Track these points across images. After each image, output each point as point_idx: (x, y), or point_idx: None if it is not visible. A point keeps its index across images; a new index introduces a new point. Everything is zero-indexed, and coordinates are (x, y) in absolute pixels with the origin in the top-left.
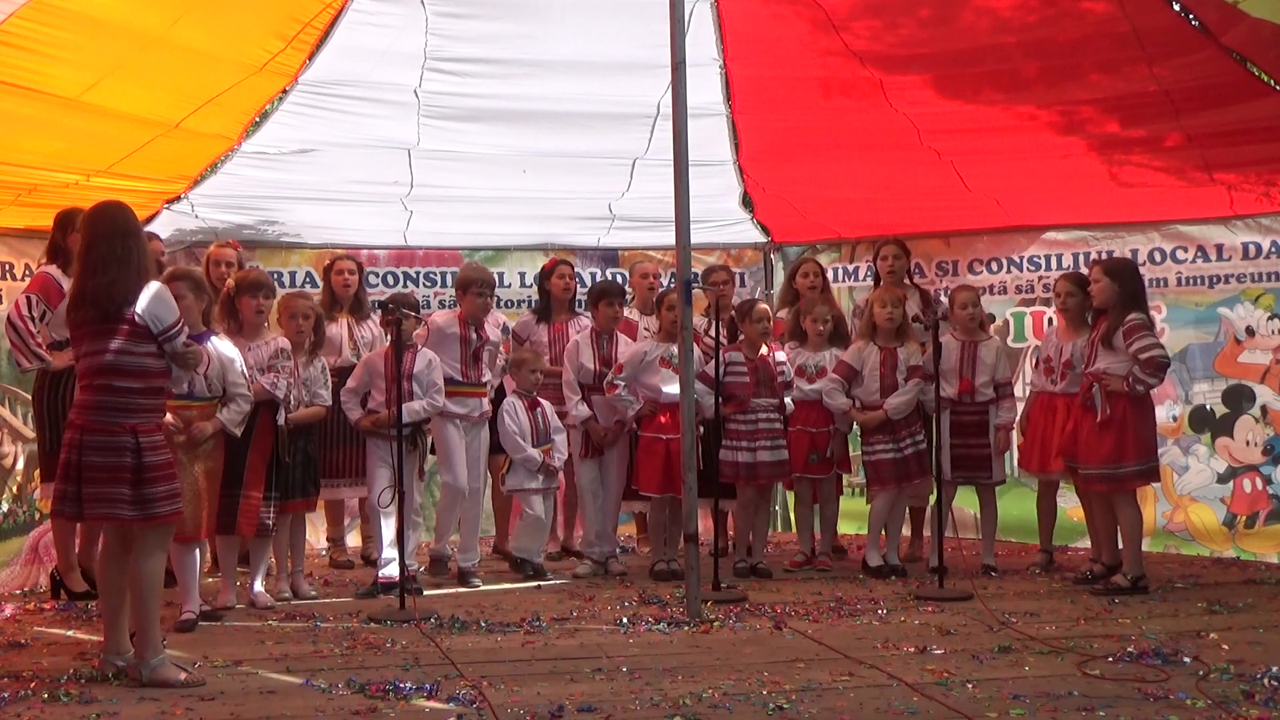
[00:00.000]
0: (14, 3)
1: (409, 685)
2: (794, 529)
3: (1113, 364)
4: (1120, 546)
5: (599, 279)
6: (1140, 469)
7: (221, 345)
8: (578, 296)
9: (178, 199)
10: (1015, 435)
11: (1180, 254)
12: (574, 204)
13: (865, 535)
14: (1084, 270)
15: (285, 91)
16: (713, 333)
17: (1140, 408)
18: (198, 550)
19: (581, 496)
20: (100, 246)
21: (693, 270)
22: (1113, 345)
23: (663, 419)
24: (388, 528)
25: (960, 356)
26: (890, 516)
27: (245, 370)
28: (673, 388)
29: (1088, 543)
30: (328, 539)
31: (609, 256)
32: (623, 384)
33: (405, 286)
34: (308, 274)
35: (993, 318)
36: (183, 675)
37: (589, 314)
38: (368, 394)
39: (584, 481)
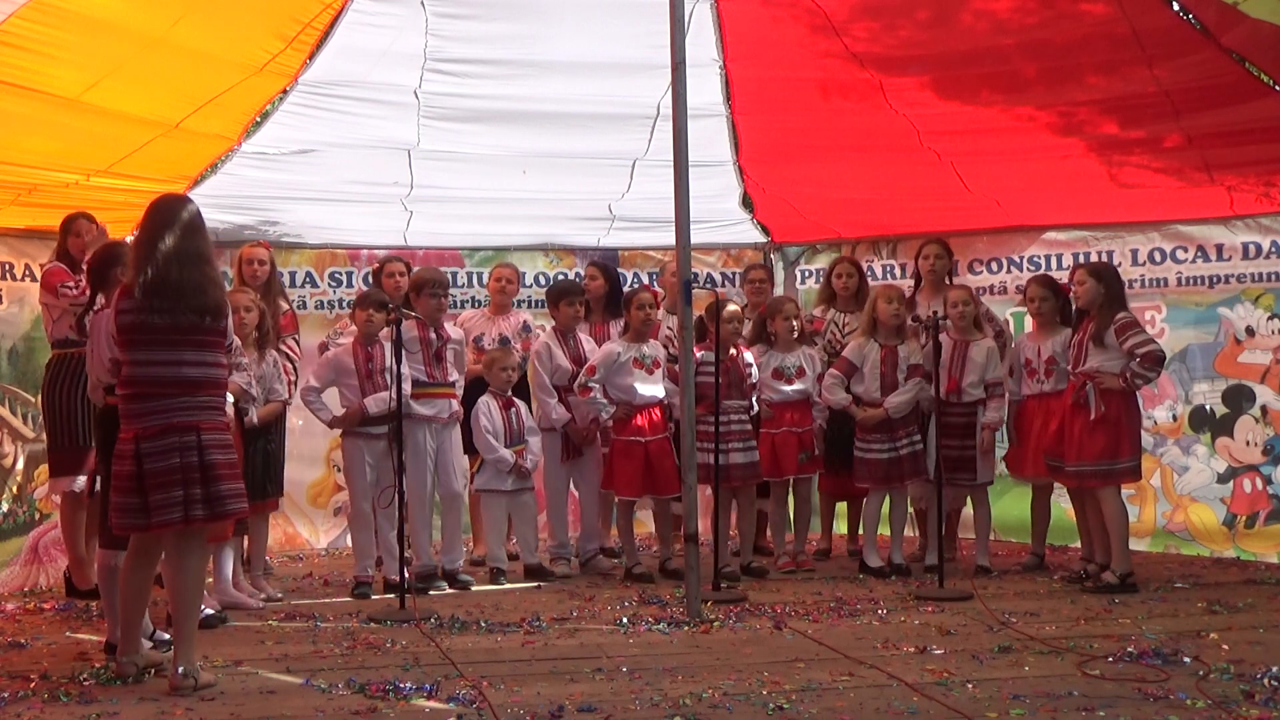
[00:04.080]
0: (14, 3)
1: (409, 685)
2: (771, 530)
3: (1105, 362)
4: (1117, 546)
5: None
6: (1132, 465)
7: None
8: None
9: None
10: (1005, 436)
11: (1180, 254)
12: (574, 204)
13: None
14: (1064, 274)
15: (285, 92)
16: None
17: (1130, 405)
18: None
19: (552, 500)
20: (190, 240)
21: (693, 271)
22: (1104, 344)
23: (639, 421)
24: (387, 529)
25: (951, 356)
26: (892, 516)
27: None
28: (647, 389)
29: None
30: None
31: (609, 257)
32: (596, 386)
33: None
34: (308, 274)
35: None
36: (209, 677)
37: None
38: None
39: (558, 485)
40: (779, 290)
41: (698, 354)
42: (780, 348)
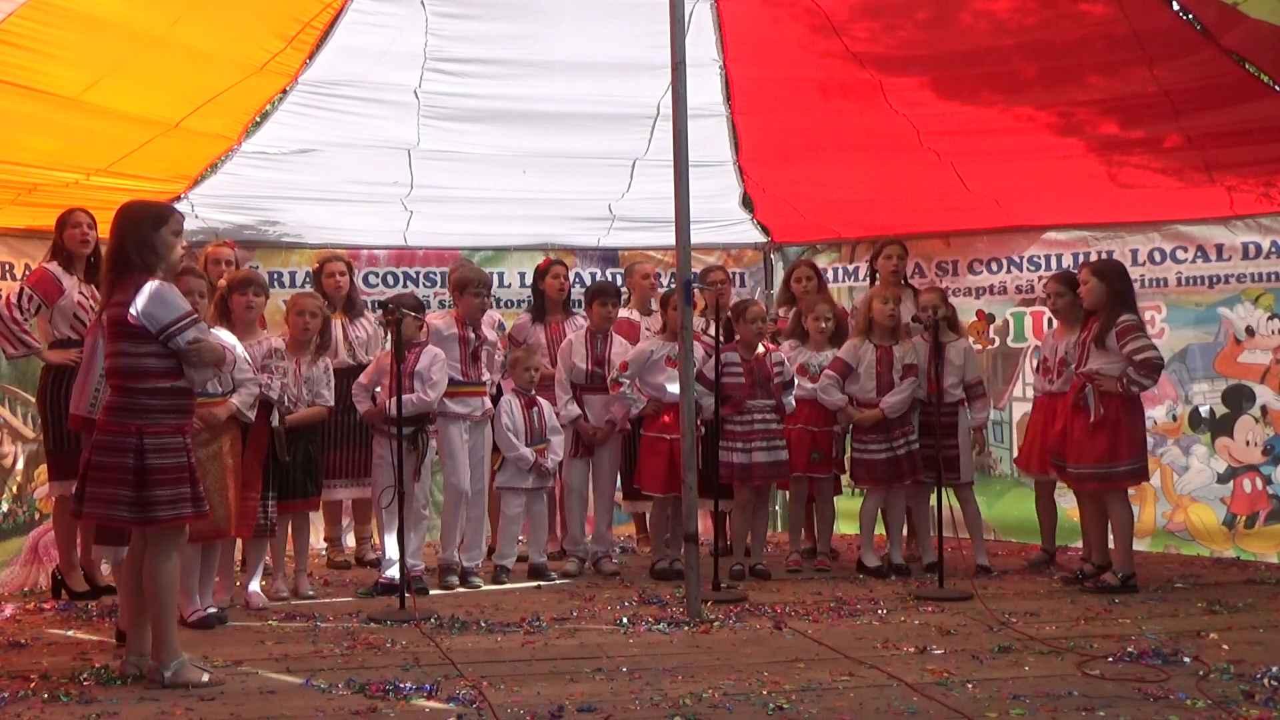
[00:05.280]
0: (14, 2)
1: (409, 685)
2: (788, 529)
3: (1105, 364)
4: (1111, 545)
5: (598, 279)
6: (1132, 468)
7: (223, 335)
8: (573, 297)
9: (178, 199)
10: (1014, 436)
11: (1180, 254)
12: (574, 204)
13: (860, 536)
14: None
15: (285, 91)
16: (712, 332)
17: (1132, 408)
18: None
19: (568, 495)
20: (112, 240)
21: (693, 270)
22: (1105, 345)
23: (667, 418)
24: (389, 528)
25: (929, 359)
26: (889, 515)
27: (246, 358)
28: (678, 387)
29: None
30: (325, 539)
31: (609, 257)
32: (627, 383)
33: (405, 286)
34: (308, 274)
35: (992, 318)
36: (205, 676)
37: (584, 314)
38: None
39: (574, 481)
40: (778, 289)
41: (723, 355)
42: (811, 346)
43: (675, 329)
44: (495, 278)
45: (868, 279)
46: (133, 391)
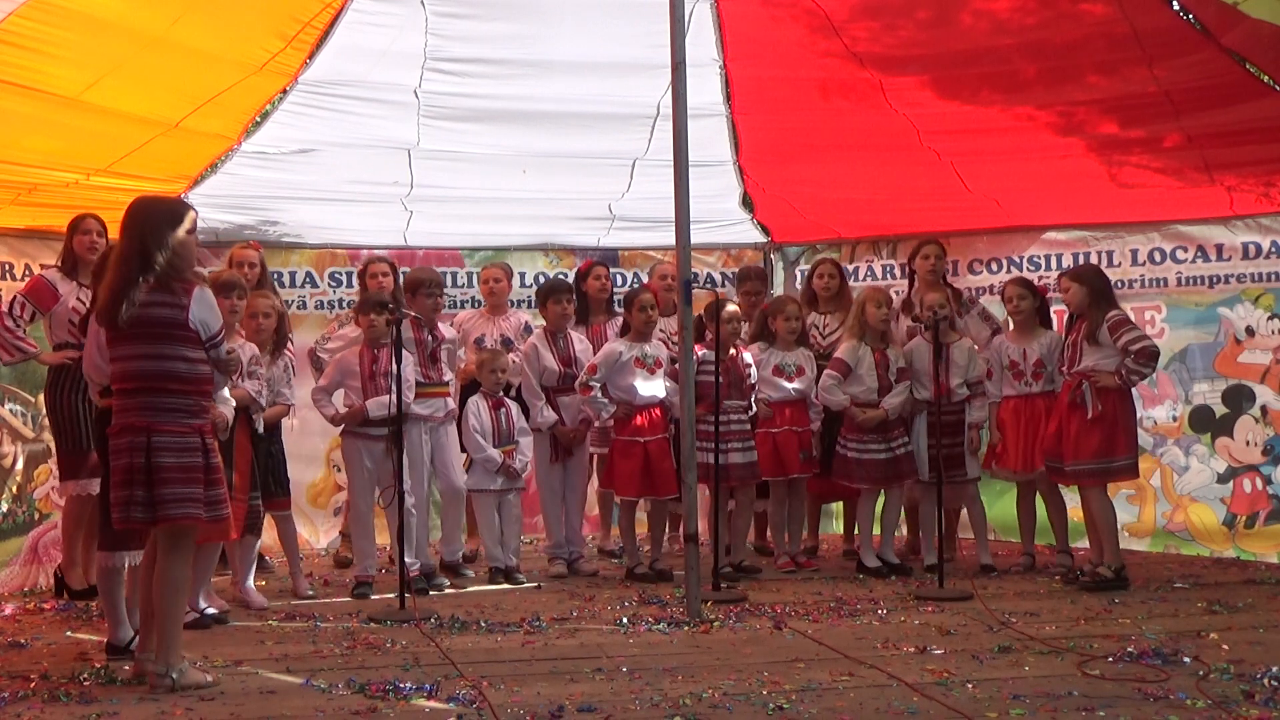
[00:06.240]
0: (14, 2)
1: (409, 685)
2: (784, 531)
3: (1100, 361)
4: (1107, 541)
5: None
6: (1129, 463)
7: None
8: (613, 297)
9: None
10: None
11: (1180, 254)
12: (574, 204)
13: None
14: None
15: (285, 91)
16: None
17: (1126, 404)
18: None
19: (548, 500)
20: (123, 239)
21: (693, 271)
22: (1098, 342)
23: (639, 421)
24: (370, 528)
25: (933, 359)
26: (885, 514)
27: None
28: (648, 389)
29: (1084, 542)
30: (341, 533)
31: (609, 257)
32: (597, 386)
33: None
34: (308, 274)
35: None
36: (209, 678)
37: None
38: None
39: (554, 485)
40: (778, 290)
41: (699, 352)
42: (780, 346)
43: (640, 329)
44: (443, 278)
45: (906, 280)
46: (193, 394)
